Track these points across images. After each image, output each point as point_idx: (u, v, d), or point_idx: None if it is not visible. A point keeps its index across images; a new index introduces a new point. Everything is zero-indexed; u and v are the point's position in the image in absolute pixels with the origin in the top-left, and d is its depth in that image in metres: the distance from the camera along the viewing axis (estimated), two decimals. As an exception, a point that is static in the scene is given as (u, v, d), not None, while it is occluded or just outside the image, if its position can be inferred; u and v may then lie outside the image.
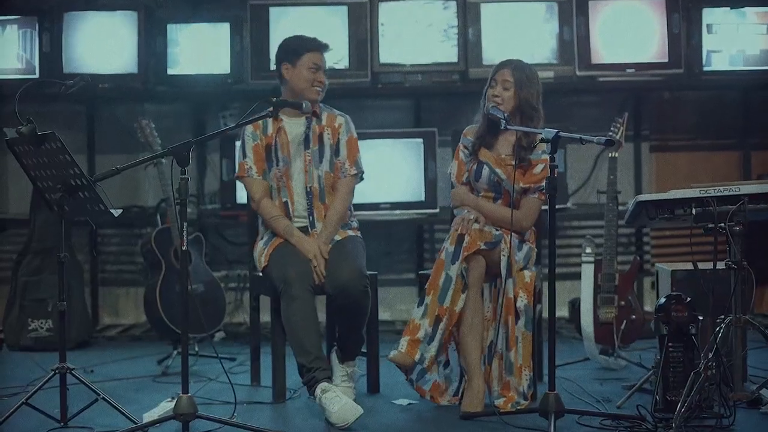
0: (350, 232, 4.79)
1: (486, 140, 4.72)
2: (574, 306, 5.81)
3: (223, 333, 6.26)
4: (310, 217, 4.74)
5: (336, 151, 4.78)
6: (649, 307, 5.65)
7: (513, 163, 4.61)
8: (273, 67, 6.13)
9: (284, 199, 4.73)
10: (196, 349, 5.49)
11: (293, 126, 4.76)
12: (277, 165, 4.73)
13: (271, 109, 4.43)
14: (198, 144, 6.39)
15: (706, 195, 3.98)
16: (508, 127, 4.47)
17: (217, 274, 6.16)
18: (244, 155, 4.76)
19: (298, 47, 4.76)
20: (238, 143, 5.93)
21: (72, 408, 4.27)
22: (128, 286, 6.79)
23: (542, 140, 4.07)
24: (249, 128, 4.74)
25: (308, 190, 4.73)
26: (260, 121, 4.72)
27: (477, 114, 4.81)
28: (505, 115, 4.50)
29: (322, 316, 4.76)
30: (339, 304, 4.54)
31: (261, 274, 4.76)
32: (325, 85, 4.75)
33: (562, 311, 6.27)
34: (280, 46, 4.83)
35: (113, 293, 6.81)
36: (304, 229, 4.71)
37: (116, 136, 6.59)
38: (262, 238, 4.77)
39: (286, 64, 4.74)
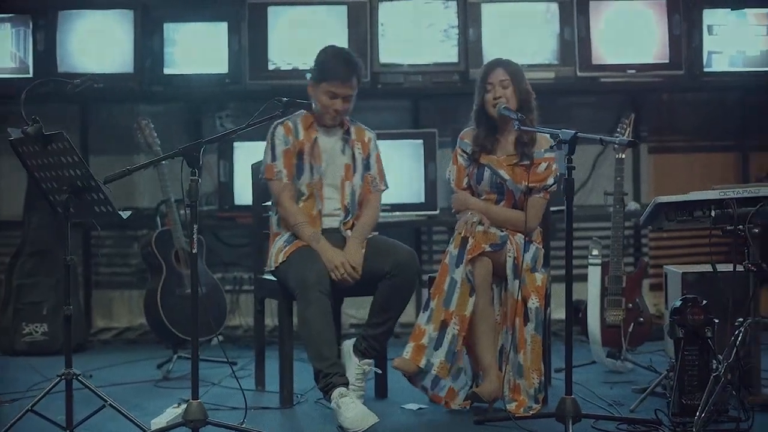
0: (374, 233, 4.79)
1: (486, 146, 4.67)
2: (578, 308, 5.77)
3: (221, 336, 6.17)
4: (341, 226, 4.71)
5: (367, 165, 4.77)
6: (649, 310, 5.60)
7: (514, 162, 4.58)
8: (271, 67, 6.18)
9: (318, 208, 4.68)
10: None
11: (328, 139, 4.73)
12: (311, 173, 4.68)
13: (281, 110, 4.34)
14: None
15: (726, 197, 3.94)
16: (522, 128, 4.41)
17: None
18: (274, 158, 4.69)
19: (325, 69, 4.68)
20: (237, 145, 6.03)
21: (75, 414, 4.17)
22: (122, 289, 6.69)
23: (560, 141, 4.02)
24: (280, 131, 4.70)
25: (344, 202, 4.72)
26: (292, 126, 4.69)
27: (470, 120, 4.76)
28: (518, 115, 4.45)
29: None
30: (395, 283, 4.52)
31: (273, 272, 4.67)
32: (342, 112, 4.69)
33: (561, 313, 6.21)
34: (316, 58, 4.76)
35: (107, 296, 6.70)
36: (335, 232, 4.68)
37: (111, 137, 6.50)
38: (282, 237, 4.70)
39: (312, 82, 4.72)
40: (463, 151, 4.73)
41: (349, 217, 4.73)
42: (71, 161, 4.01)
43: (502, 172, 4.61)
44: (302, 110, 4.64)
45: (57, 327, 5.82)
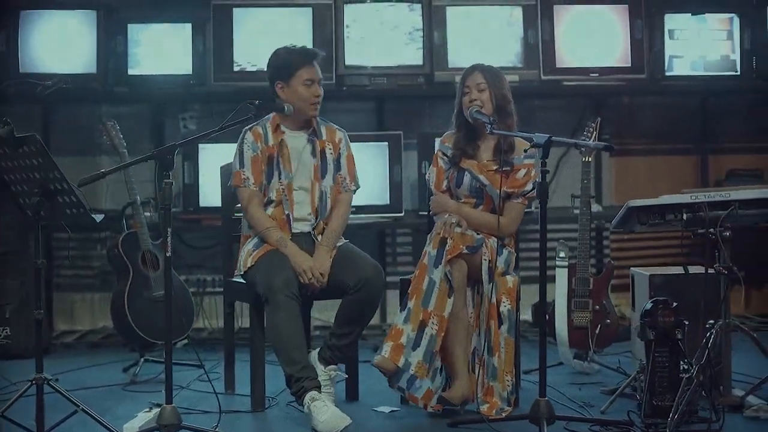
0: (343, 241, 4.77)
1: (466, 150, 4.69)
2: (537, 309, 5.82)
3: (186, 340, 6.13)
4: (312, 231, 4.68)
5: (338, 166, 4.74)
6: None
7: (495, 168, 4.60)
8: (236, 68, 6.15)
9: (286, 212, 4.65)
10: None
11: (295, 140, 4.70)
12: (280, 178, 4.65)
13: (253, 113, 4.34)
14: (159, 146, 6.33)
15: (697, 200, 4.00)
16: (494, 131, 4.44)
17: (176, 280, 6.04)
18: (242, 165, 4.66)
19: (288, 63, 4.63)
20: (201, 147, 5.98)
21: (45, 419, 4.12)
22: (84, 292, 6.62)
23: (534, 145, 4.05)
24: (249, 138, 4.66)
25: (316, 209, 4.69)
26: (261, 132, 4.65)
27: (451, 123, 4.77)
28: (490, 118, 4.48)
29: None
30: (360, 298, 4.49)
31: (242, 276, 4.65)
32: (321, 97, 4.68)
33: (526, 315, 6.27)
34: (270, 64, 4.69)
35: (68, 299, 6.63)
36: (306, 236, 4.66)
37: (74, 138, 6.42)
38: (251, 240, 4.68)
39: (279, 83, 4.64)
40: (444, 155, 4.75)
41: (319, 220, 4.71)
42: (43, 164, 3.97)
43: (482, 177, 4.63)
44: (271, 113, 4.63)
45: (20, 330, 5.75)
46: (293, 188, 4.67)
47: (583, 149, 5.15)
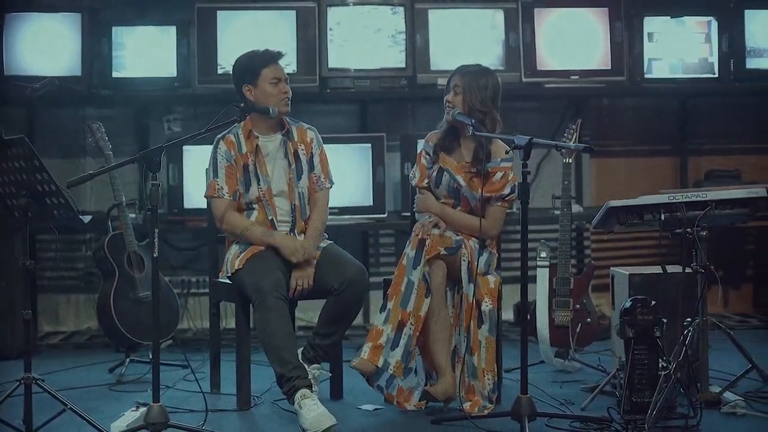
0: (327, 242, 4.81)
1: (446, 146, 4.75)
2: (519, 309, 5.87)
3: (170, 340, 6.17)
4: (293, 233, 4.72)
5: (311, 166, 4.78)
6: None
7: (473, 170, 4.66)
8: (220, 71, 6.19)
9: (270, 217, 4.70)
10: (150, 356, 5.40)
11: (268, 143, 4.73)
12: (258, 184, 4.69)
13: (238, 115, 4.38)
14: (142, 149, 6.37)
15: (675, 201, 4.07)
16: (476, 132, 4.50)
17: (161, 281, 6.08)
18: (216, 174, 4.69)
19: (253, 65, 4.68)
20: (186, 149, 6.02)
21: (34, 419, 4.16)
22: (69, 293, 6.66)
23: (515, 147, 4.11)
24: (222, 147, 4.69)
25: (293, 207, 4.72)
26: (234, 140, 4.69)
27: (440, 122, 4.82)
28: (473, 121, 4.54)
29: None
30: (344, 298, 4.54)
31: (229, 278, 4.70)
32: (290, 95, 4.71)
33: (507, 314, 6.33)
34: (235, 69, 4.75)
35: (53, 300, 6.67)
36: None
37: (58, 140, 6.46)
38: (237, 243, 4.72)
39: (246, 86, 4.68)
40: (427, 153, 4.81)
41: (299, 221, 4.74)
42: (31, 166, 4.00)
43: (459, 178, 4.69)
44: (242, 121, 4.65)
45: (5, 331, 5.77)
46: (273, 193, 4.72)
47: (563, 151, 5.22)
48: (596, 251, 6.90)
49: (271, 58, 4.69)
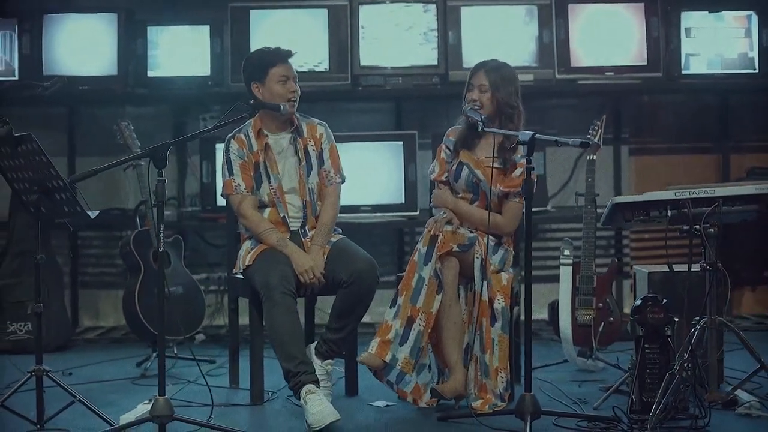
0: (339, 236, 4.82)
1: (467, 142, 4.73)
2: (554, 308, 5.82)
3: (203, 336, 6.26)
4: (303, 229, 4.74)
5: (321, 161, 4.79)
6: (629, 310, 5.66)
7: (492, 165, 4.63)
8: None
9: (281, 215, 4.72)
10: (175, 351, 5.48)
11: (278, 141, 4.76)
12: (270, 182, 4.71)
13: (248, 112, 4.42)
14: (178, 146, 6.47)
15: (681, 197, 4.00)
16: (486, 129, 4.48)
17: (197, 277, 6.14)
18: (231, 173, 4.72)
19: (261, 63, 4.70)
20: (219, 146, 6.07)
21: (48, 410, 4.25)
22: (108, 289, 6.77)
23: (519, 142, 4.08)
24: (234, 146, 4.72)
25: (304, 204, 4.74)
26: (245, 139, 4.72)
27: (460, 117, 4.81)
28: (483, 117, 4.51)
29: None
30: (353, 291, 4.54)
31: (242, 273, 4.74)
32: (298, 94, 4.73)
33: (542, 314, 6.27)
34: (244, 66, 4.78)
35: (93, 295, 6.79)
36: (294, 234, 4.72)
37: (97, 139, 6.56)
38: (250, 238, 4.76)
39: (255, 84, 4.71)
40: (447, 147, 4.80)
41: (309, 217, 4.75)
42: (40, 162, 4.09)
43: (479, 173, 4.67)
44: (251, 119, 4.68)
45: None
46: (284, 190, 4.74)
47: (585, 148, 5.13)
48: (635, 250, 6.80)
49: (280, 56, 4.71)
